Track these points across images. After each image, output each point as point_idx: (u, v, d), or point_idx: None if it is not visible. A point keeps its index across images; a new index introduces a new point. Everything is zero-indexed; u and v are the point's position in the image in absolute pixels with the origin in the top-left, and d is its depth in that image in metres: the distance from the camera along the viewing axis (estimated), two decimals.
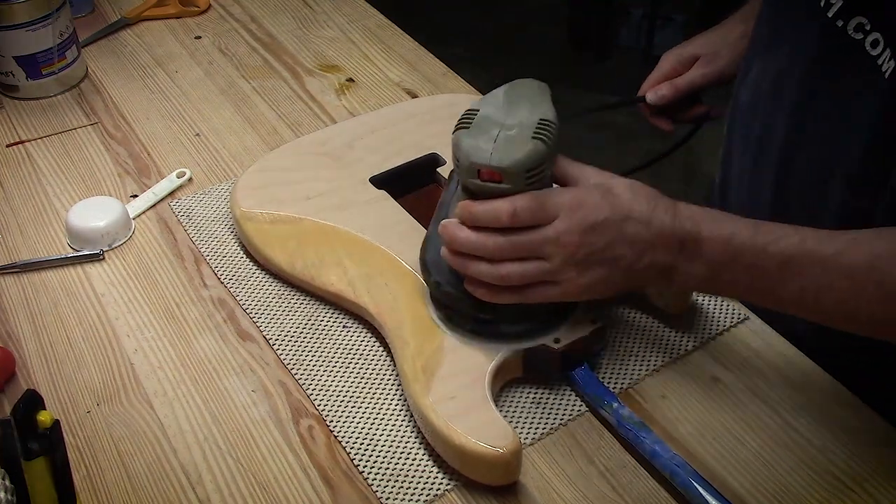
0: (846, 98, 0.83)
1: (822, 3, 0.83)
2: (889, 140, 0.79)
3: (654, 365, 0.86)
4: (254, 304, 0.93)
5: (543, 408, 0.82)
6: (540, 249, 0.76)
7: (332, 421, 0.82)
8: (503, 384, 0.83)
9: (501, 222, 0.76)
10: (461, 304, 0.82)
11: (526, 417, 0.82)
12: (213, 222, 1.02)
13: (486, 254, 0.77)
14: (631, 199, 0.77)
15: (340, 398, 0.84)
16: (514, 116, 0.78)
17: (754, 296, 0.79)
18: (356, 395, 0.84)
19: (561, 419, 0.81)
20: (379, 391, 0.84)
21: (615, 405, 0.80)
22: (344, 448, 0.80)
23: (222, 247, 0.99)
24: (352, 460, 0.79)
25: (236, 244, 0.99)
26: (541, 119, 0.78)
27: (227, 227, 1.01)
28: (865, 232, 0.74)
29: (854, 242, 0.73)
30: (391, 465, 0.78)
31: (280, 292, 0.94)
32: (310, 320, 0.91)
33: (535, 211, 0.76)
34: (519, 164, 0.75)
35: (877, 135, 0.80)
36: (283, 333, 0.89)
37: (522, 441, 0.76)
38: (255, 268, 0.96)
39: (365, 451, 0.79)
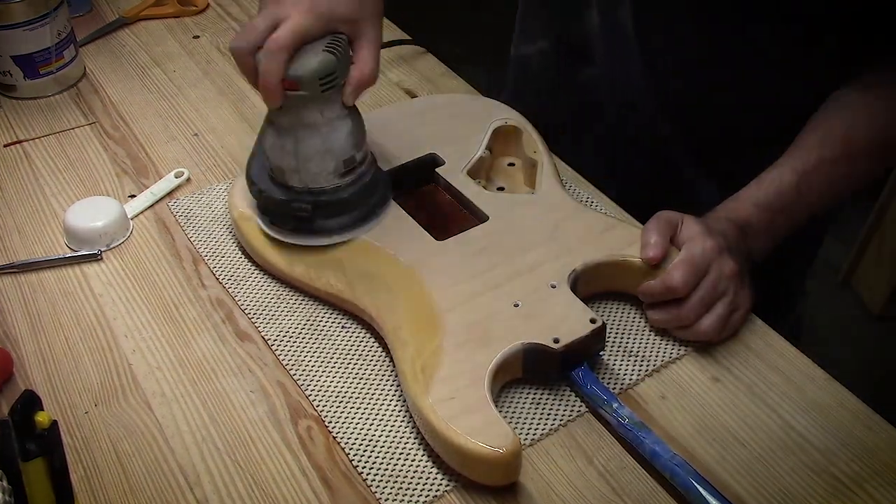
0: None
1: None
2: None
3: (654, 365, 0.86)
4: (252, 304, 0.92)
5: (543, 408, 0.82)
6: (718, 291, 0.86)
7: (330, 422, 0.82)
8: (503, 385, 0.83)
9: (679, 293, 0.86)
10: (280, 205, 0.92)
11: (525, 418, 0.81)
12: (212, 222, 1.02)
13: (688, 321, 0.86)
14: (712, 227, 0.90)
15: (339, 399, 0.83)
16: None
17: (798, 223, 0.96)
18: (355, 395, 0.84)
19: (560, 420, 0.81)
20: (378, 392, 0.84)
21: (615, 405, 0.80)
22: (343, 449, 0.80)
23: (220, 247, 0.99)
24: (351, 461, 0.79)
25: (234, 244, 0.99)
26: (333, 35, 0.88)
27: (226, 227, 1.01)
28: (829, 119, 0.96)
29: (826, 134, 0.95)
30: (390, 466, 0.78)
31: (278, 293, 0.93)
32: (308, 321, 0.90)
33: (696, 272, 0.86)
34: (312, 72, 0.85)
35: None
36: (282, 334, 0.89)
37: (522, 441, 0.76)
38: (253, 268, 0.96)
39: (364, 451, 0.79)
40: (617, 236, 0.91)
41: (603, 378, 0.84)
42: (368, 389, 0.84)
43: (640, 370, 0.85)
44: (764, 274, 0.94)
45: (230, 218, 0.99)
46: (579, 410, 0.82)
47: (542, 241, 0.91)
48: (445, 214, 0.98)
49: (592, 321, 0.83)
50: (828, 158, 0.94)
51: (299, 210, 0.91)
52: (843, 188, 0.97)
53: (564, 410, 0.82)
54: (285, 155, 0.90)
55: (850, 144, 0.95)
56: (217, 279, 0.95)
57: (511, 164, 1.06)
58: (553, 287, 0.86)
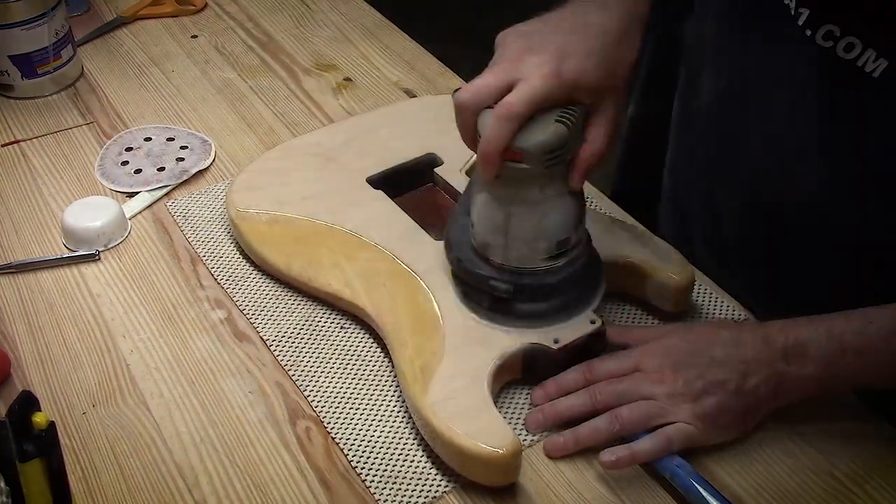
0: (835, 102, 0.81)
1: (792, 13, 0.81)
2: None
3: None
4: (250, 304, 0.92)
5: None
6: (639, 389, 0.77)
7: (329, 422, 0.81)
8: (502, 385, 0.83)
9: (586, 380, 0.79)
10: (478, 280, 0.83)
11: (525, 419, 0.81)
12: (210, 223, 1.02)
13: (592, 410, 0.78)
14: (713, 328, 0.81)
15: (338, 399, 0.83)
16: None
17: (870, 379, 0.77)
18: (354, 396, 0.83)
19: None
20: (377, 392, 0.84)
21: None
22: (341, 449, 0.79)
23: (219, 247, 0.98)
24: (349, 462, 0.78)
25: (233, 245, 0.98)
26: (564, 105, 0.77)
27: (224, 227, 1.01)
28: None
29: None
30: (389, 467, 0.78)
31: (277, 293, 0.93)
32: (307, 321, 0.90)
33: (618, 362, 0.79)
34: (539, 146, 0.75)
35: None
36: (280, 334, 0.89)
37: (521, 442, 0.76)
38: (251, 268, 0.96)
39: (363, 452, 0.79)
40: (617, 236, 0.91)
41: None
42: (367, 390, 0.84)
43: None
44: None
45: (228, 218, 0.99)
46: None
47: None
48: (444, 214, 0.97)
49: (592, 321, 0.83)
50: None
51: (497, 290, 0.82)
52: None
53: None
54: (494, 229, 0.80)
55: None
56: (215, 279, 0.95)
57: None
58: None
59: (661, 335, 0.82)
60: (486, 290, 0.82)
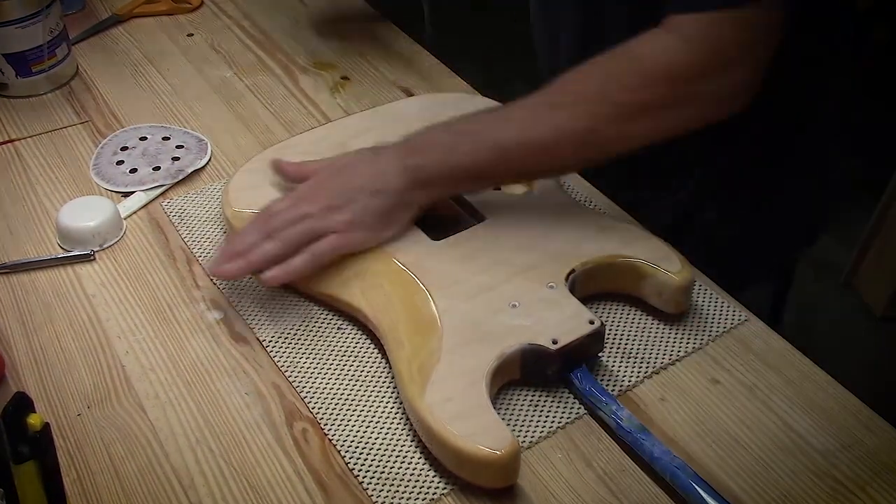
0: None
1: None
2: None
3: (654, 367, 0.85)
4: (247, 305, 0.92)
5: (541, 410, 0.81)
6: (296, 212, 0.88)
7: (326, 424, 0.81)
8: (501, 386, 0.82)
9: (266, 220, 0.88)
10: None
11: (523, 420, 0.81)
12: (206, 222, 1.01)
13: (259, 238, 0.87)
14: (353, 153, 0.93)
15: (335, 401, 0.83)
16: None
17: (484, 162, 0.88)
18: (351, 397, 0.83)
19: (559, 422, 0.81)
20: (374, 393, 0.83)
21: (614, 407, 0.79)
22: (338, 451, 0.79)
23: (215, 247, 0.98)
24: (346, 464, 0.78)
25: None
26: None
27: (220, 227, 1.00)
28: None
29: (554, 83, 0.89)
30: (386, 469, 0.77)
31: (273, 293, 0.92)
32: (304, 322, 0.90)
33: (285, 200, 0.90)
34: None
35: None
36: (277, 335, 0.88)
37: (520, 444, 0.75)
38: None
39: (360, 454, 0.78)
40: (615, 236, 0.91)
41: (602, 380, 0.83)
42: (364, 391, 0.83)
43: (639, 372, 0.84)
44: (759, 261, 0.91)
45: (224, 218, 0.98)
46: (578, 413, 0.81)
47: (539, 241, 0.90)
48: (442, 214, 0.97)
49: (591, 322, 0.82)
50: (537, 102, 0.88)
51: None
52: (544, 137, 0.87)
53: (563, 413, 0.81)
54: None
55: (562, 93, 0.88)
56: (211, 280, 0.94)
57: None
58: (551, 287, 0.85)
59: (312, 172, 0.93)
60: None
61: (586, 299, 0.87)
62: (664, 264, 0.87)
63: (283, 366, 0.86)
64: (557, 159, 0.89)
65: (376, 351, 0.87)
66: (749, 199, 1.07)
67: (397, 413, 0.81)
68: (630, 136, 0.87)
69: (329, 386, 0.84)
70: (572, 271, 0.87)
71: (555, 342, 0.81)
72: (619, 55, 0.87)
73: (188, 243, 0.99)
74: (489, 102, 1.10)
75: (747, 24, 0.83)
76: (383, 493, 0.75)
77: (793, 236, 1.16)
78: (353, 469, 0.77)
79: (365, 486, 0.76)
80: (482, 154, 0.88)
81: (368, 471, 0.77)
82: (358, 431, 0.80)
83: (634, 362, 0.85)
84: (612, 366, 0.85)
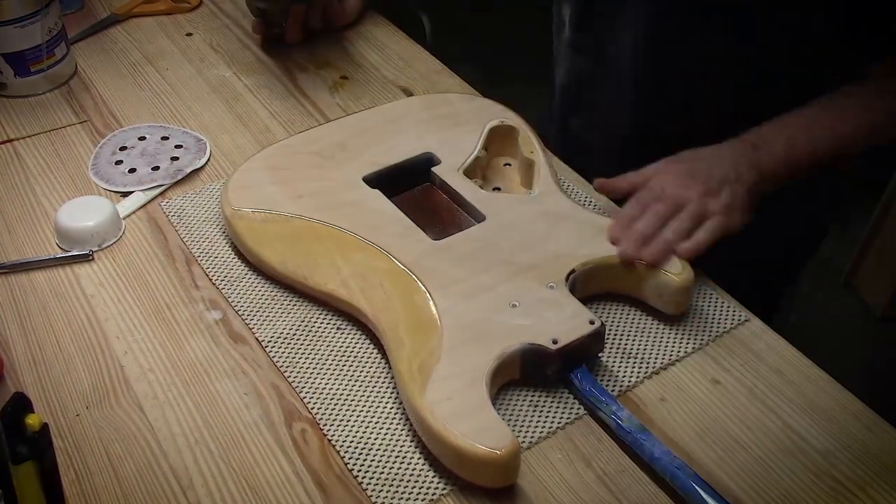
0: None
1: None
2: None
3: (654, 367, 0.85)
4: (246, 305, 0.91)
5: (541, 410, 0.81)
6: (676, 199, 0.91)
7: (325, 424, 0.81)
8: (500, 386, 0.82)
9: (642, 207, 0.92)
10: None
11: (523, 420, 0.81)
12: (205, 222, 1.01)
13: (653, 228, 0.90)
14: (691, 153, 0.96)
15: (334, 401, 0.82)
16: None
17: (825, 149, 0.97)
18: (350, 397, 0.83)
19: (559, 422, 0.80)
20: (374, 393, 0.83)
21: (614, 408, 0.79)
22: (338, 452, 0.79)
23: (214, 247, 0.98)
24: (346, 464, 0.78)
25: (228, 244, 0.98)
26: None
27: (219, 226, 1.00)
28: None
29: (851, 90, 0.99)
30: (386, 469, 0.77)
31: (272, 293, 0.92)
32: (303, 321, 0.89)
33: (650, 193, 0.92)
34: None
35: None
36: (276, 335, 0.88)
37: (520, 444, 0.75)
38: (246, 268, 0.95)
39: (359, 454, 0.78)
40: None
41: (602, 380, 0.83)
42: (364, 391, 0.83)
43: (639, 372, 0.84)
44: (760, 264, 0.94)
45: (223, 217, 0.98)
46: (578, 413, 0.81)
47: (539, 241, 0.90)
48: (442, 214, 0.97)
49: (591, 322, 0.82)
50: (860, 94, 0.98)
51: None
52: (883, 119, 0.99)
53: (563, 413, 0.81)
54: None
55: (847, 102, 0.98)
56: (210, 280, 0.94)
57: (507, 164, 1.05)
58: (551, 288, 0.85)
59: (654, 172, 0.95)
60: None
61: (586, 299, 0.87)
62: (665, 265, 0.87)
63: (282, 366, 0.85)
64: (886, 139, 0.99)
65: (376, 351, 0.87)
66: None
67: (397, 413, 0.81)
68: None
69: (328, 386, 0.84)
70: (572, 271, 0.87)
71: (555, 342, 0.81)
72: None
73: (187, 243, 0.98)
74: (489, 102, 1.10)
75: None
76: (383, 494, 0.75)
77: (797, 244, 1.18)
78: (353, 469, 0.77)
79: (364, 486, 0.76)
80: (823, 144, 0.96)
81: (368, 471, 0.77)
82: (357, 432, 0.80)
83: (634, 362, 0.85)
84: (612, 366, 0.85)
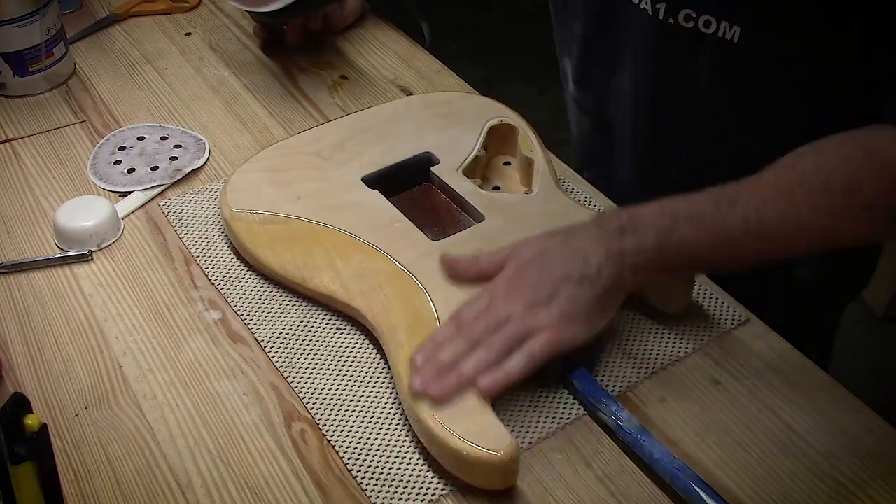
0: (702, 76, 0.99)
1: (650, 12, 0.97)
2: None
3: (654, 367, 0.84)
4: (245, 305, 0.91)
5: (541, 411, 0.81)
6: (496, 314, 0.79)
7: (324, 425, 0.80)
8: None
9: (457, 327, 0.80)
10: None
11: (523, 421, 0.80)
12: (204, 223, 1.01)
13: (465, 348, 0.78)
14: (543, 235, 0.84)
15: (333, 401, 0.82)
16: None
17: (706, 246, 0.80)
18: (349, 398, 0.83)
19: (558, 423, 0.80)
20: (373, 394, 0.83)
21: (614, 408, 0.79)
22: (337, 452, 0.78)
23: (213, 247, 0.98)
24: (345, 465, 0.77)
25: (227, 245, 0.97)
26: None
27: (218, 227, 1.00)
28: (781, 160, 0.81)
29: (778, 167, 0.80)
30: (385, 470, 0.77)
31: (272, 294, 0.92)
32: (302, 321, 0.89)
33: (477, 301, 0.81)
34: None
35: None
36: (275, 336, 0.88)
37: (519, 445, 0.75)
38: (246, 269, 0.95)
39: (358, 455, 0.78)
40: None
41: (602, 380, 0.83)
42: (363, 392, 0.83)
43: (639, 372, 0.84)
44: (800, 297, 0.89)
45: (222, 218, 0.98)
46: (577, 413, 0.81)
47: None
48: (441, 214, 0.97)
49: None
50: (766, 186, 0.80)
51: None
52: (778, 225, 0.79)
53: (562, 414, 0.81)
54: None
55: (800, 182, 0.79)
56: (209, 280, 0.94)
57: (507, 164, 1.05)
58: None
59: (505, 258, 0.83)
60: None
61: None
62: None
63: (281, 366, 0.85)
64: (785, 250, 0.82)
65: (375, 351, 0.86)
66: None
67: (396, 414, 0.81)
68: (876, 236, 0.86)
69: (328, 387, 0.84)
70: None
71: None
72: (855, 147, 0.79)
73: (186, 243, 0.98)
74: (488, 101, 1.10)
75: None
76: (382, 494, 0.75)
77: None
78: (352, 470, 0.77)
79: (364, 487, 0.76)
80: (703, 241, 0.80)
81: (367, 472, 0.77)
82: (357, 432, 0.80)
83: (634, 362, 0.85)
84: (612, 366, 0.85)
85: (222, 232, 0.99)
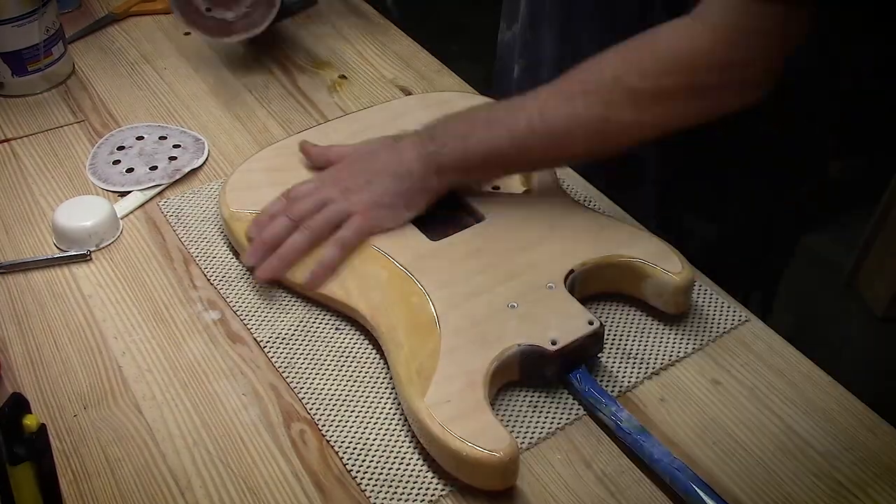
0: None
1: None
2: None
3: (654, 367, 0.84)
4: (244, 305, 0.91)
5: (540, 412, 0.81)
6: (320, 196, 0.91)
7: (324, 425, 0.80)
8: (500, 388, 0.82)
9: (285, 205, 0.92)
10: None
11: (522, 421, 0.80)
12: (203, 222, 1.00)
13: (290, 228, 0.89)
14: (384, 136, 0.96)
15: (333, 402, 0.82)
16: None
17: (499, 148, 0.89)
18: (349, 398, 0.82)
19: (558, 423, 0.80)
20: (372, 395, 0.83)
21: (613, 408, 0.79)
22: (336, 453, 0.78)
23: (212, 247, 0.97)
24: (344, 465, 0.77)
25: (226, 245, 0.97)
26: None
27: (217, 227, 1.00)
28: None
29: (571, 70, 0.88)
30: (385, 470, 0.77)
31: (271, 294, 0.92)
32: (301, 321, 0.89)
33: (309, 184, 0.94)
34: None
35: None
36: (275, 336, 0.88)
37: (519, 445, 0.75)
38: (244, 269, 0.94)
39: (358, 455, 0.78)
40: (615, 236, 0.90)
41: (601, 381, 0.83)
42: (362, 392, 0.83)
43: (639, 372, 0.84)
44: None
45: (221, 218, 0.98)
46: (577, 414, 0.81)
47: (538, 241, 0.90)
48: (440, 214, 0.96)
49: (590, 322, 0.82)
50: (553, 89, 0.88)
51: None
52: (557, 122, 0.87)
53: (562, 414, 0.81)
54: None
55: (580, 80, 0.87)
56: (208, 280, 0.94)
57: None
58: (550, 288, 0.85)
59: (347, 151, 0.97)
60: None
61: (586, 299, 0.87)
62: (664, 264, 0.86)
63: (280, 366, 0.85)
64: (569, 148, 0.89)
65: (374, 352, 0.86)
66: (736, 198, 1.08)
67: (395, 414, 0.81)
68: (643, 125, 0.86)
69: (327, 387, 0.83)
70: (571, 271, 0.86)
71: (554, 343, 0.80)
72: (639, 42, 0.86)
73: (185, 243, 0.98)
74: (488, 101, 1.10)
75: (776, 19, 0.81)
76: (381, 495, 0.75)
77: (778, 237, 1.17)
78: (351, 470, 0.77)
79: (363, 487, 0.76)
80: (495, 142, 0.89)
81: (366, 472, 0.77)
82: (356, 433, 0.80)
83: (634, 363, 0.85)
84: (612, 366, 0.84)
85: (221, 232, 0.99)
